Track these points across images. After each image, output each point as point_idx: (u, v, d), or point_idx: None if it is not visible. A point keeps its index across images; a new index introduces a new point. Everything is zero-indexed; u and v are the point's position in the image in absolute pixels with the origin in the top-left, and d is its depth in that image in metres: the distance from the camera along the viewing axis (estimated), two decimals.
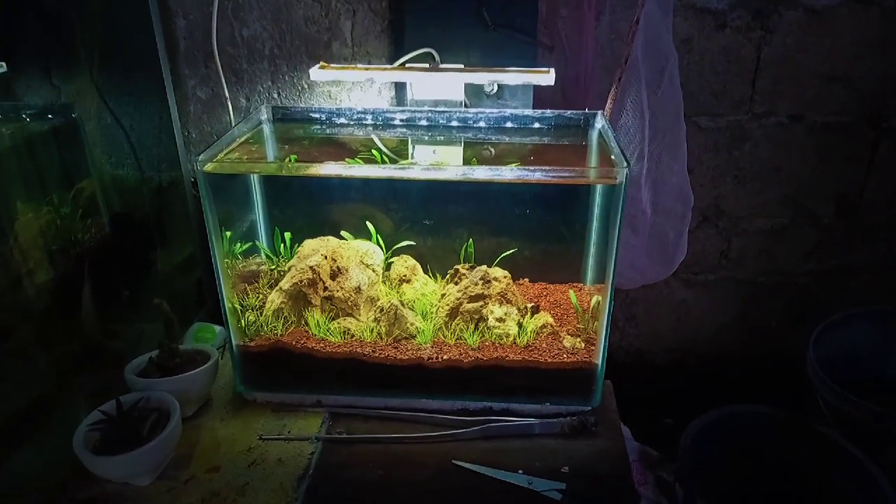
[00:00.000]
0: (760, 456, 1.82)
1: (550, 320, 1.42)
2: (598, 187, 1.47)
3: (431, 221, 1.56)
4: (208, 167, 1.26)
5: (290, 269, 1.46)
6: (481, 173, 1.29)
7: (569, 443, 1.33)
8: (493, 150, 1.55)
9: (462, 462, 1.28)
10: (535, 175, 1.24)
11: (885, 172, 1.91)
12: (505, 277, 1.47)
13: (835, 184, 1.92)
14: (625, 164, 1.18)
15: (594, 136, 1.50)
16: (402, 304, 1.42)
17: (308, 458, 1.30)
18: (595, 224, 1.50)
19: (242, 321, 1.42)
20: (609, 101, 1.60)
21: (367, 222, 1.56)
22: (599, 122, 1.49)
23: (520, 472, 1.26)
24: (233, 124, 1.73)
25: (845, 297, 2.07)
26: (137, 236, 1.79)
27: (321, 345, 1.39)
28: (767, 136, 1.87)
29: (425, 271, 1.59)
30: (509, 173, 1.25)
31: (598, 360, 1.35)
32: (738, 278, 2.12)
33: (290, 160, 1.43)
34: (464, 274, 1.50)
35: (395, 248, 1.57)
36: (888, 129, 1.86)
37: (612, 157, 1.29)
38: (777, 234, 2.02)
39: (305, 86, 1.77)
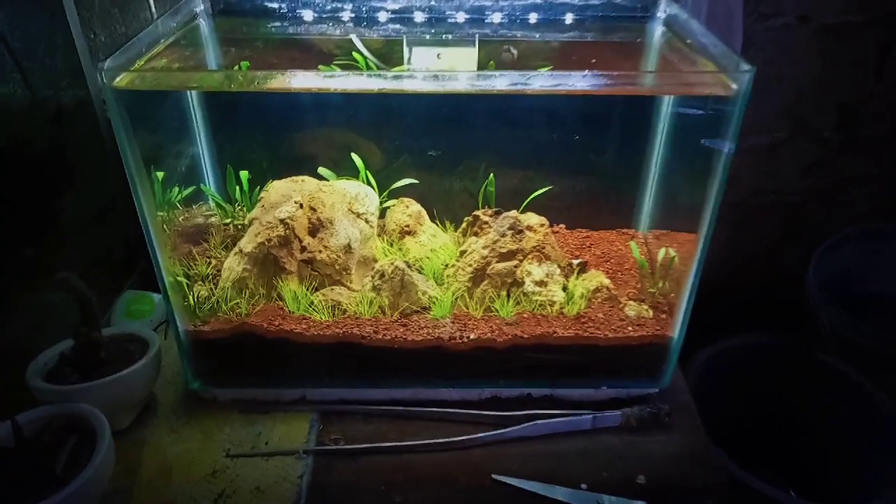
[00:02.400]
0: (761, 387, 1.71)
1: (606, 282, 1.09)
2: (668, 102, 1.11)
3: (438, 152, 1.17)
4: (121, 80, 0.84)
5: (251, 223, 1.07)
6: (529, 82, 0.89)
7: (636, 440, 1.03)
8: (515, 51, 1.16)
9: (504, 476, 0.96)
10: (610, 83, 0.86)
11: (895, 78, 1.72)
12: (542, 226, 1.12)
13: (839, 93, 1.75)
14: (745, 66, 0.81)
15: (656, 29, 1.12)
16: (409, 266, 1.06)
17: (297, 482, 0.96)
18: (659, 151, 1.15)
19: (190, 298, 1.03)
20: None
21: (353, 154, 1.16)
22: (665, 10, 1.11)
23: (583, 486, 0.96)
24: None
25: (839, 215, 1.93)
26: (31, 178, 1.34)
27: (302, 325, 1.03)
28: (773, 41, 1.67)
29: (432, 218, 1.21)
30: (574, 81, 0.87)
31: (675, 332, 1.03)
32: (729, 201, 1.92)
33: (240, 69, 1.01)
34: (486, 222, 1.13)
35: (391, 188, 1.18)
36: None
37: (704, 55, 0.92)
38: (773, 150, 1.84)
39: None
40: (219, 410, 1.08)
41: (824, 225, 1.89)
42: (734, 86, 0.83)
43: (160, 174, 1.06)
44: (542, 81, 0.87)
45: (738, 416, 1.65)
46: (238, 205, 1.18)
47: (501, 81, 0.92)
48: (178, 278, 1.00)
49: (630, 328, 1.04)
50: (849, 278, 1.82)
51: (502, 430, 1.02)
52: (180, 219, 1.12)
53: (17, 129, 1.31)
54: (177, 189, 1.09)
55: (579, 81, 0.85)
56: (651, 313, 1.07)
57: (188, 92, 1.11)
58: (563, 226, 1.26)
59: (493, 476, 0.96)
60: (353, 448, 1.01)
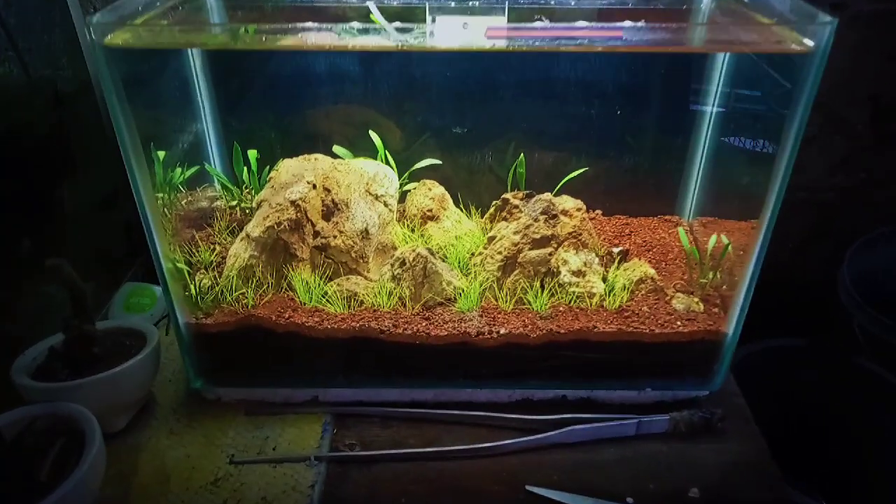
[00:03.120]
0: (791, 391, 1.58)
1: (651, 272, 0.98)
2: (724, 66, 1.00)
3: (463, 129, 1.07)
4: (113, 37, 0.74)
5: (260, 205, 0.97)
6: (574, 36, 0.79)
7: (686, 448, 0.92)
8: (547, 20, 1.05)
9: (539, 488, 0.86)
10: (668, 38, 0.76)
11: None
12: (578, 210, 1.01)
13: (872, 85, 1.61)
14: (825, 17, 0.70)
15: None
16: (432, 254, 0.96)
17: (307, 492, 0.86)
18: (710, 127, 1.04)
19: (192, 287, 0.93)
20: None
21: (371, 132, 1.06)
22: None
23: (629, 500, 0.85)
24: None
25: (870, 213, 1.78)
26: (29, 166, 1.25)
27: (315, 318, 0.93)
28: None
29: (456, 204, 1.11)
30: (628, 35, 0.76)
31: (730, 328, 0.92)
32: None
33: (246, 29, 0.91)
34: (516, 206, 1.03)
35: (412, 169, 1.08)
36: None
37: (766, 14, 0.81)
38: (805, 144, 1.72)
39: None
40: (223, 412, 0.98)
41: (855, 223, 1.75)
42: (810, 41, 0.72)
43: (161, 153, 0.97)
44: (589, 34, 0.76)
45: (767, 422, 1.55)
46: (246, 187, 1.09)
47: (541, 34, 0.82)
48: (179, 265, 0.90)
49: (679, 323, 0.93)
50: (881, 279, 1.72)
51: (537, 436, 0.92)
52: (183, 202, 1.03)
53: (15, 113, 1.22)
54: (179, 170, 1.00)
55: (634, 35, 0.75)
56: (702, 307, 0.96)
57: (191, 59, 1.02)
58: (599, 212, 1.16)
59: (528, 487, 0.86)
60: (369, 455, 0.91)
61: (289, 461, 0.90)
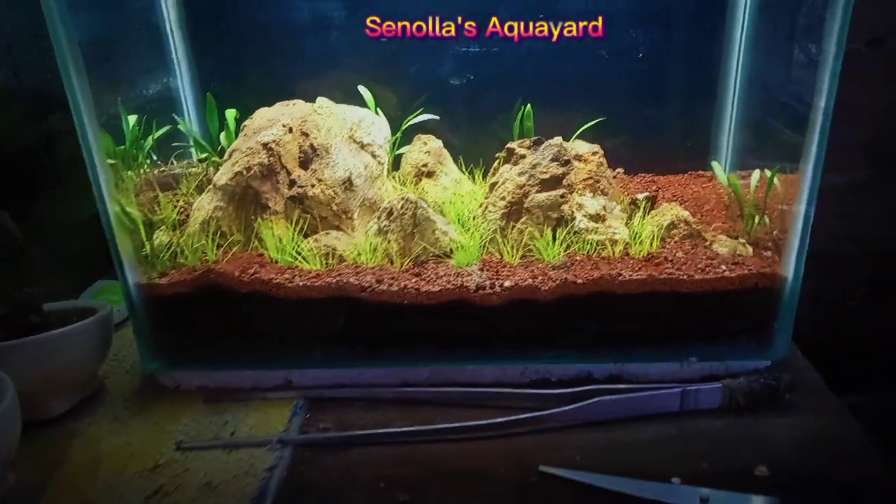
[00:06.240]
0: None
1: (684, 214, 0.82)
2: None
3: (463, 79, 0.97)
4: None
5: (231, 154, 0.86)
6: None
7: (748, 423, 0.73)
8: None
9: (555, 468, 0.66)
10: None
11: None
12: (594, 155, 0.88)
13: None
14: None
15: None
16: (423, 200, 0.82)
17: (262, 476, 0.68)
18: (740, 70, 0.91)
19: (147, 245, 0.81)
20: None
21: (360, 87, 0.96)
22: None
23: (675, 480, 0.65)
24: None
25: None
26: (8, 177, 1.18)
27: (284, 275, 0.79)
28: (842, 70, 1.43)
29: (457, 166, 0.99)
30: None
31: (788, 270, 0.75)
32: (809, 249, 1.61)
33: None
34: (523, 155, 0.90)
35: (408, 120, 0.96)
36: None
37: None
38: (855, 190, 1.54)
39: None
40: (179, 399, 0.83)
41: None
42: None
43: (132, 118, 0.89)
44: None
45: None
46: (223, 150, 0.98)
47: None
48: (129, 209, 0.78)
49: (724, 267, 0.76)
50: None
51: (554, 411, 0.73)
52: (155, 172, 0.93)
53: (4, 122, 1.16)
54: (150, 139, 0.91)
55: None
56: (750, 250, 0.79)
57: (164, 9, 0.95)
58: (621, 170, 1.01)
59: (542, 468, 0.67)
60: (345, 436, 0.73)
61: (247, 446, 0.73)
